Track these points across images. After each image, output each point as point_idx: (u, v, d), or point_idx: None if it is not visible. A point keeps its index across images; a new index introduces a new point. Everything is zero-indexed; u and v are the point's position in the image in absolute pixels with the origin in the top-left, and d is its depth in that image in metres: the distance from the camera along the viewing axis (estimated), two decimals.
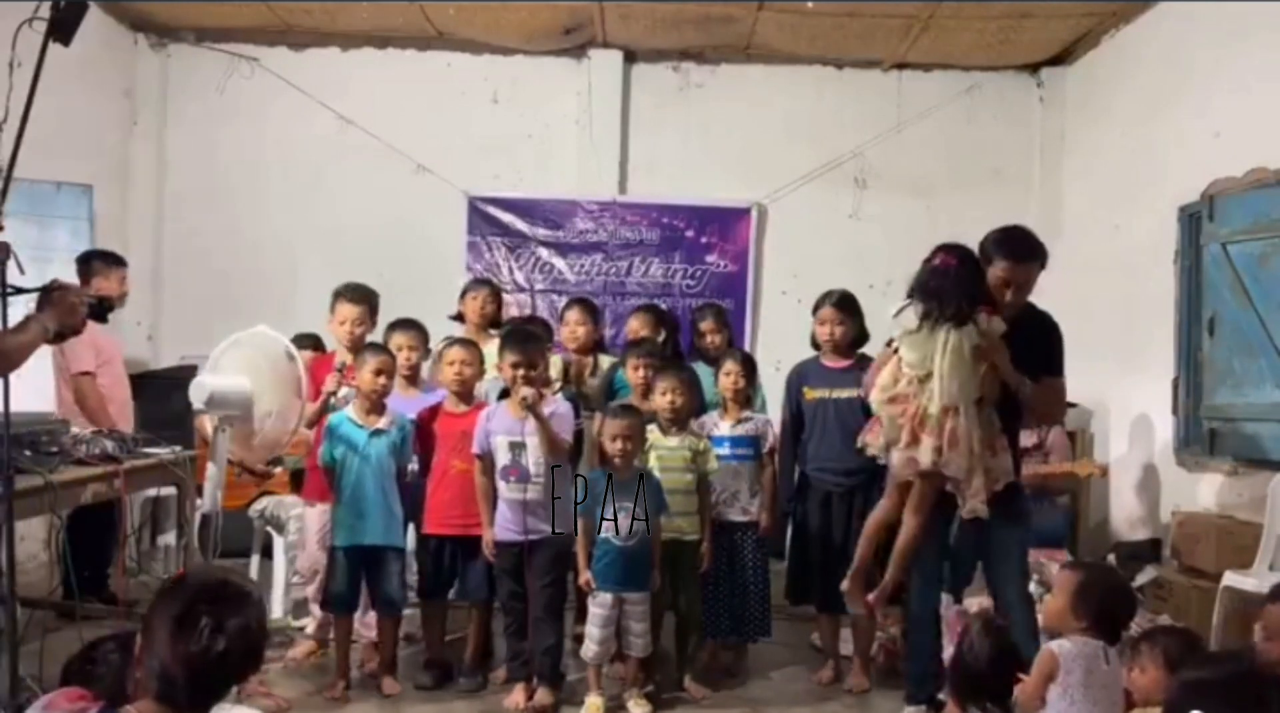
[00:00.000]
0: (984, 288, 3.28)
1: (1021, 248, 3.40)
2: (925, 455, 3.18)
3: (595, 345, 4.79)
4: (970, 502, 3.22)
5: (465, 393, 4.10)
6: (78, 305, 2.68)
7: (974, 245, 3.46)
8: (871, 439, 3.43)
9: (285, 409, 3.42)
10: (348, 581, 3.90)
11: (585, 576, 3.75)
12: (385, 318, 4.58)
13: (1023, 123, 7.10)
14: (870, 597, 3.46)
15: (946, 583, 5.09)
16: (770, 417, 4.39)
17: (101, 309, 2.83)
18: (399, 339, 4.28)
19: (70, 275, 4.57)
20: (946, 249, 3.31)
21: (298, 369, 3.47)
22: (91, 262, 4.94)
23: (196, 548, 3.68)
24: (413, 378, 4.33)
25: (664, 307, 5.74)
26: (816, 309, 4.20)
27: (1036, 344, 3.36)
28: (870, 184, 6.99)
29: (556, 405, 3.89)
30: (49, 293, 2.66)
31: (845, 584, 3.50)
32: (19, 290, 2.69)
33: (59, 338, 2.69)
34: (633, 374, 4.24)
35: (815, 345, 4.24)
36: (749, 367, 4.26)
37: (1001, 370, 3.24)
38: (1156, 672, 2.73)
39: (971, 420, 3.17)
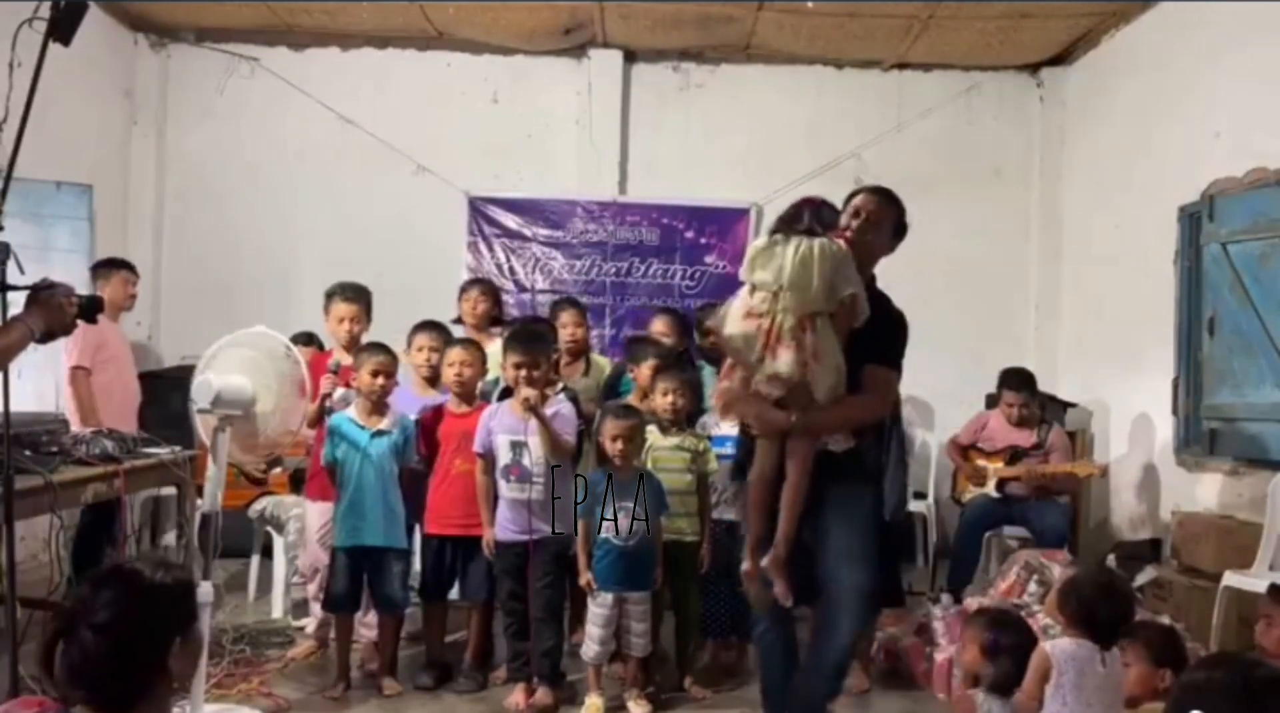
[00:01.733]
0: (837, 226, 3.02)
1: (879, 188, 3.17)
2: (785, 366, 2.79)
3: (586, 346, 4.79)
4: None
5: (466, 394, 4.10)
6: (65, 306, 2.67)
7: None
8: (725, 385, 3.03)
9: (288, 409, 3.42)
10: (348, 581, 3.91)
11: (586, 577, 3.74)
12: (383, 318, 4.59)
13: (1023, 123, 7.11)
14: (764, 561, 2.89)
15: (945, 583, 5.13)
16: None
17: (91, 309, 2.81)
18: (422, 340, 4.29)
19: (69, 275, 4.58)
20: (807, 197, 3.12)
21: (300, 369, 3.47)
22: (96, 269, 5.10)
23: (197, 548, 3.68)
24: (434, 380, 4.34)
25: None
26: None
27: (874, 329, 2.97)
28: (869, 184, 6.98)
29: (559, 406, 3.89)
30: (36, 293, 2.65)
31: (748, 566, 2.95)
32: (9, 287, 2.68)
33: (48, 338, 2.67)
34: (648, 371, 4.22)
35: None
36: None
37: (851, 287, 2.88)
38: (1141, 666, 2.73)
39: (830, 336, 2.83)
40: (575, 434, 3.91)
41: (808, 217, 2.96)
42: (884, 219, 3.06)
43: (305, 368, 3.53)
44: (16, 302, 2.74)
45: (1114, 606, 2.73)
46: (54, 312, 2.63)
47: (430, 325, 4.38)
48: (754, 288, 2.96)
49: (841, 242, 2.93)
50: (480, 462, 3.89)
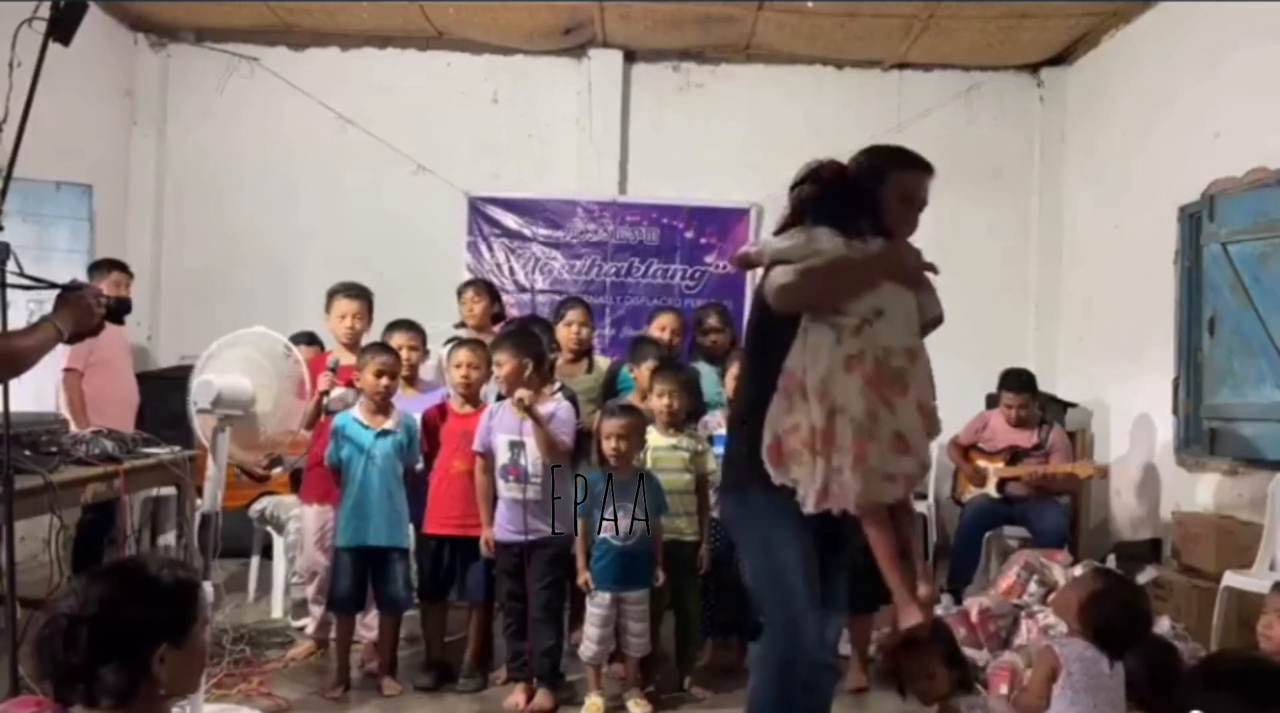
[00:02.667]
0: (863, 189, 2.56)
1: (923, 160, 2.68)
2: (911, 419, 2.34)
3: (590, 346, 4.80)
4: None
5: (471, 396, 4.09)
6: (94, 307, 2.67)
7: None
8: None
9: (287, 408, 3.41)
10: (352, 581, 3.90)
11: (584, 576, 3.74)
12: (383, 317, 4.59)
13: (1023, 123, 7.11)
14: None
15: (945, 583, 5.14)
16: None
17: (120, 311, 2.82)
18: (399, 340, 4.30)
19: (69, 276, 4.59)
20: (826, 163, 2.61)
21: (300, 368, 3.47)
22: (91, 270, 5.12)
23: (196, 548, 3.68)
24: (411, 378, 4.35)
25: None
26: None
27: None
28: None
29: (557, 407, 3.88)
30: (65, 293, 2.65)
31: (921, 618, 2.42)
32: (51, 284, 2.69)
33: (75, 339, 2.68)
34: (647, 372, 4.23)
35: None
36: None
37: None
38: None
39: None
40: (573, 435, 3.90)
41: (864, 202, 2.48)
42: (928, 198, 2.67)
43: (305, 367, 3.53)
44: (17, 301, 2.75)
45: (1135, 626, 2.73)
46: (83, 312, 2.63)
47: (404, 325, 4.40)
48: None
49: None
50: (480, 461, 3.88)
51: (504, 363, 3.81)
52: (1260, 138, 4.82)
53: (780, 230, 2.57)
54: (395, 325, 4.39)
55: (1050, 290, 7.00)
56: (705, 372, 4.47)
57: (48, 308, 2.68)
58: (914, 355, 2.41)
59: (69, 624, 1.50)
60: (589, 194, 6.94)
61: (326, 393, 4.08)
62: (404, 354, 4.27)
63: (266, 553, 5.12)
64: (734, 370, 4.20)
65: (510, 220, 6.96)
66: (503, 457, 3.81)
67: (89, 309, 2.64)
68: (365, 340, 4.33)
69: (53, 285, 2.71)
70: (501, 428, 3.83)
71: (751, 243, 2.46)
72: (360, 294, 4.47)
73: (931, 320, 2.53)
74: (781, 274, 2.41)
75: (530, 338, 3.99)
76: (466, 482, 3.94)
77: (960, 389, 6.37)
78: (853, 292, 2.38)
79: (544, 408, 3.80)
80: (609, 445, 3.71)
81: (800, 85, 7.09)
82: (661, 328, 4.78)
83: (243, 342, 3.44)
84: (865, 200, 2.48)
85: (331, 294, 4.49)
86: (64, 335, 2.57)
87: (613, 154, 6.95)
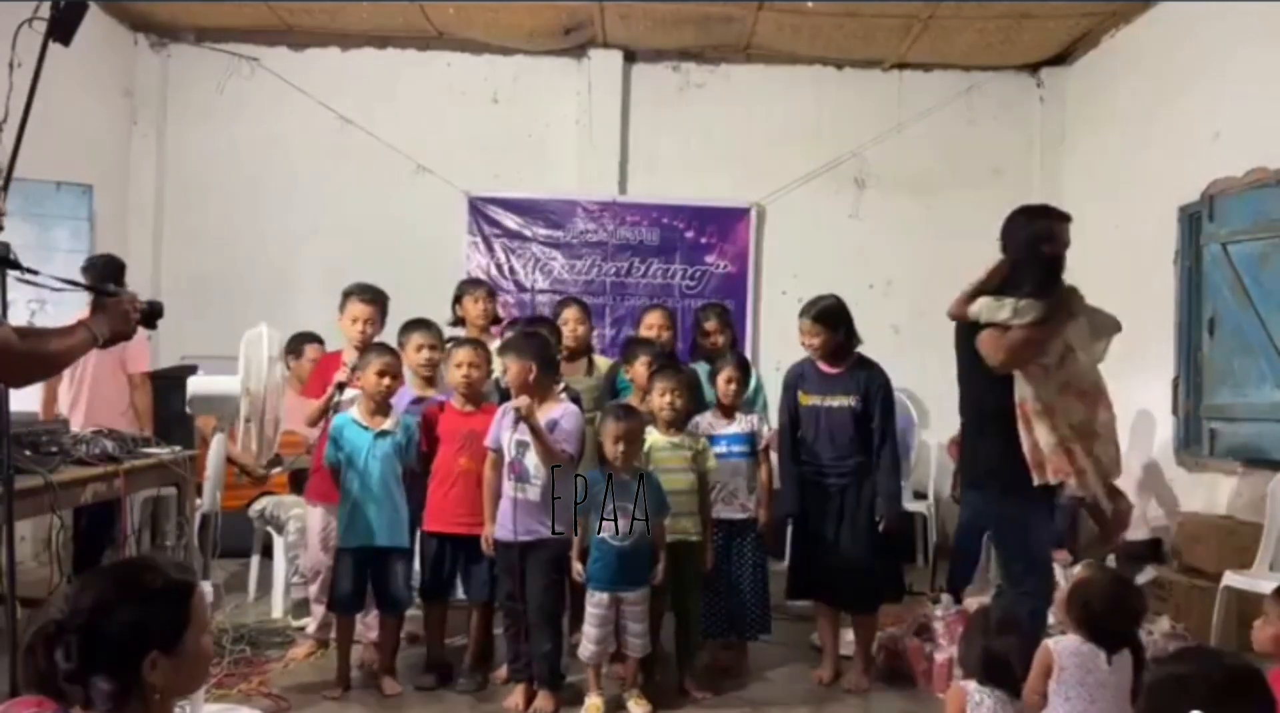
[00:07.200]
0: None
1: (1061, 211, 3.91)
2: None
3: (588, 346, 4.79)
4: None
5: (473, 395, 4.07)
6: (130, 313, 2.69)
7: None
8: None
9: (269, 410, 3.41)
10: (353, 582, 3.89)
11: (576, 567, 3.73)
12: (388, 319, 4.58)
13: (1023, 123, 7.11)
14: None
15: (945, 583, 5.13)
16: (770, 416, 4.40)
17: (153, 316, 2.83)
18: (419, 339, 4.26)
19: (68, 276, 4.59)
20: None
21: (275, 371, 3.46)
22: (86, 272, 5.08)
23: (196, 548, 3.68)
24: (431, 379, 4.32)
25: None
26: (800, 316, 4.17)
27: None
28: (870, 184, 6.99)
29: (562, 414, 3.81)
30: (102, 298, 2.66)
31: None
32: (91, 288, 2.69)
33: (109, 343, 2.69)
34: (642, 370, 4.23)
35: None
36: (746, 372, 4.27)
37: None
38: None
39: None
40: (578, 441, 3.84)
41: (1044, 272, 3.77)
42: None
43: (283, 366, 3.52)
44: (17, 302, 2.75)
45: (1122, 620, 2.69)
46: (119, 318, 2.64)
47: (424, 324, 4.34)
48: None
49: None
50: (490, 457, 3.85)
51: (509, 366, 3.78)
52: (1260, 138, 4.83)
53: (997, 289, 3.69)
54: (415, 325, 4.32)
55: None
56: (703, 372, 4.47)
57: (48, 307, 2.69)
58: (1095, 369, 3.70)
59: (57, 632, 1.49)
60: (589, 194, 6.94)
61: (343, 387, 4.06)
62: (425, 354, 4.24)
63: (266, 553, 5.12)
64: (726, 372, 4.19)
65: (510, 220, 6.96)
66: (509, 454, 3.79)
67: (125, 315, 2.66)
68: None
69: (91, 289, 2.72)
70: (510, 425, 3.80)
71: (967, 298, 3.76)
72: (374, 299, 4.37)
73: (1112, 329, 3.80)
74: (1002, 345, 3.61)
75: (537, 341, 3.96)
76: (469, 480, 3.93)
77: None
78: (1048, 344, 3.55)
79: (549, 415, 3.77)
80: (613, 448, 3.69)
81: (800, 85, 7.10)
82: (649, 327, 4.77)
83: (251, 342, 3.45)
84: (1055, 266, 3.67)
85: (346, 295, 4.40)
86: (99, 341, 2.58)
87: (613, 154, 6.96)
